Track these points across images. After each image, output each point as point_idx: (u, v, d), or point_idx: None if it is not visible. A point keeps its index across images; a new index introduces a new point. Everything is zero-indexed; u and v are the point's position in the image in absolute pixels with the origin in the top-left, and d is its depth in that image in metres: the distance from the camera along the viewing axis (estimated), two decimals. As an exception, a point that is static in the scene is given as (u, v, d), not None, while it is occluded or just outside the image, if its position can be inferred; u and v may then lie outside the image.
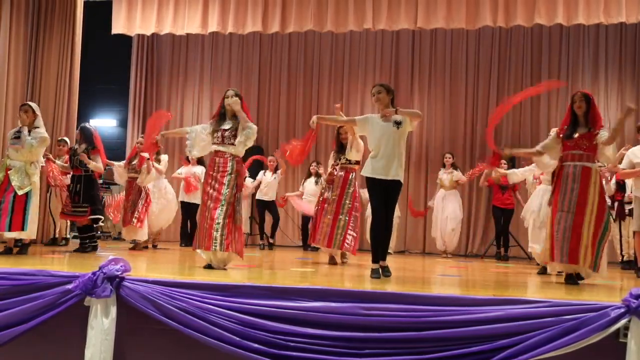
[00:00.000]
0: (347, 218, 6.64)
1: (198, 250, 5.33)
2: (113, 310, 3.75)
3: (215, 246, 5.13)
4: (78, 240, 7.48)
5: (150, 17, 9.29)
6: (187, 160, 9.60)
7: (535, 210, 6.49)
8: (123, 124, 12.16)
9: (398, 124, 5.11)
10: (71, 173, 7.43)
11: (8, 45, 8.14)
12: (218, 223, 5.15)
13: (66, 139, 8.41)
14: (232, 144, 5.34)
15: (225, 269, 5.21)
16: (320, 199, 6.96)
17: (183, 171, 9.53)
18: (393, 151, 5.09)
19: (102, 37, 10.14)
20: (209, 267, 5.25)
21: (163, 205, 8.45)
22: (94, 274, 3.76)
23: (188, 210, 9.52)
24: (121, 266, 3.85)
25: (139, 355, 3.84)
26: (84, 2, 9.33)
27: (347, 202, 6.68)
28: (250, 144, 5.37)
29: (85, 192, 7.14)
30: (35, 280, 3.92)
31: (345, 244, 6.61)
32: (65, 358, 3.90)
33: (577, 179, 4.97)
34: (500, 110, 6.07)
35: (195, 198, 9.54)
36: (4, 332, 3.81)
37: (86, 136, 7.30)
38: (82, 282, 3.74)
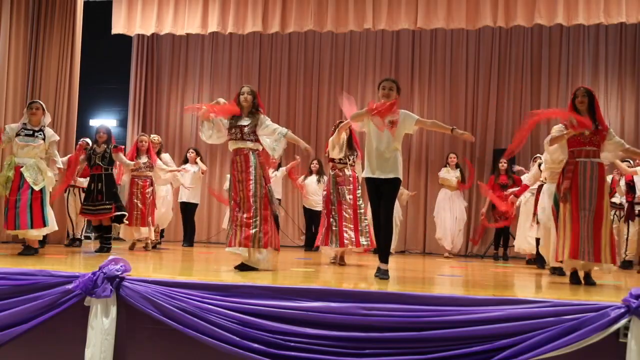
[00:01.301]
0: (366, 219, 6.69)
1: (229, 249, 5.22)
2: (113, 310, 3.75)
3: (254, 243, 5.13)
4: (89, 241, 7.47)
5: (150, 17, 9.29)
6: (184, 162, 9.57)
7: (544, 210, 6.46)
8: (123, 124, 12.16)
9: (392, 123, 5.06)
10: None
11: (8, 45, 8.14)
12: (255, 220, 5.15)
13: (88, 140, 8.42)
14: (252, 140, 5.34)
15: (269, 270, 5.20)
16: (334, 200, 6.71)
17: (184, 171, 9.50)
18: (385, 150, 5.02)
19: (102, 37, 10.15)
20: (242, 267, 5.17)
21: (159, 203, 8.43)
22: (94, 274, 3.77)
23: (187, 210, 9.50)
24: (121, 266, 3.85)
25: (139, 355, 3.84)
26: (84, 2, 9.33)
27: (362, 200, 6.68)
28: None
29: (108, 189, 7.10)
30: (35, 280, 3.93)
31: (374, 242, 6.60)
32: (65, 358, 3.90)
33: (595, 176, 5.00)
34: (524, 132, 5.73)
35: (195, 198, 9.53)
36: (4, 332, 3.82)
37: (110, 137, 7.32)
38: (82, 282, 3.75)
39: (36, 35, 8.69)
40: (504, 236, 9.58)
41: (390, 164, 5.03)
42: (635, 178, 7.57)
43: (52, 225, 6.35)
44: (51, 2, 8.79)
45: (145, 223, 7.76)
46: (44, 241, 7.24)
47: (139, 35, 10.63)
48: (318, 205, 9.43)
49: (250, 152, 5.32)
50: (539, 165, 7.34)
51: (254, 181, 5.23)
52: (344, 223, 6.62)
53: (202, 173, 9.54)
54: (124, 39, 10.27)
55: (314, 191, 9.68)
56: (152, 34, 9.79)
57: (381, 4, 8.74)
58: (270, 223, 5.26)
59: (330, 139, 6.75)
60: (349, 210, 6.63)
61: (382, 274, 5.02)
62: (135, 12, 9.33)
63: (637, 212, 7.70)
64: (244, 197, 5.20)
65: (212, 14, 9.16)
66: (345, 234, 6.60)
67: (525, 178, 7.73)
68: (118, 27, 9.41)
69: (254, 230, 5.13)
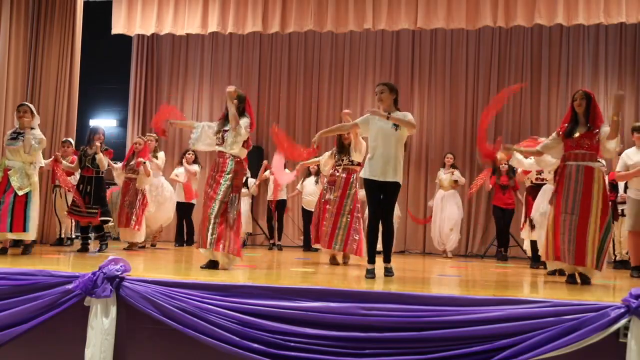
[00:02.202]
0: (348, 219, 6.60)
1: (200, 250, 5.32)
2: (113, 310, 3.75)
3: (210, 246, 5.15)
4: (80, 240, 7.50)
5: (150, 17, 9.29)
6: (181, 163, 9.56)
7: (544, 211, 6.45)
8: (123, 124, 12.16)
9: (397, 125, 5.08)
10: (77, 173, 7.42)
11: (8, 45, 8.13)
12: (209, 222, 5.17)
13: (71, 139, 8.40)
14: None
15: (227, 269, 5.22)
16: (322, 200, 6.88)
17: (180, 172, 9.49)
18: (389, 153, 5.06)
19: (102, 37, 10.14)
20: (207, 266, 5.24)
21: (160, 203, 8.42)
22: (94, 274, 3.77)
23: (183, 210, 9.48)
24: (121, 266, 3.86)
25: (139, 355, 3.84)
26: (84, 2, 9.33)
27: (349, 202, 6.66)
28: (240, 139, 5.32)
29: (96, 193, 7.17)
30: (35, 280, 3.93)
31: (348, 246, 6.57)
32: (65, 358, 3.90)
33: (580, 179, 4.95)
34: (485, 118, 5.89)
35: (191, 198, 9.51)
36: (4, 332, 3.82)
37: (104, 140, 7.40)
38: (82, 282, 3.75)
39: (36, 35, 8.69)
40: (505, 237, 9.58)
41: (393, 167, 5.08)
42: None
43: (32, 234, 6.27)
44: (51, 2, 8.79)
45: (121, 224, 7.70)
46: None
47: (139, 35, 10.62)
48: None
49: (229, 159, 5.33)
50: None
51: (222, 186, 5.25)
52: (324, 222, 6.70)
53: (193, 174, 9.48)
54: (124, 39, 10.26)
55: (312, 192, 9.68)
56: (152, 34, 9.79)
57: (381, 4, 8.74)
58: (225, 228, 5.21)
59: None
60: (331, 210, 6.66)
61: (388, 272, 5.14)
62: (135, 12, 9.33)
63: (620, 211, 7.67)
64: (210, 199, 5.24)
65: (212, 14, 9.16)
66: (324, 234, 6.68)
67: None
68: (118, 27, 9.40)
69: (207, 233, 5.17)
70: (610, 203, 5.11)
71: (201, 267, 5.26)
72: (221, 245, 5.15)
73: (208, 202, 5.25)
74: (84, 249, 7.18)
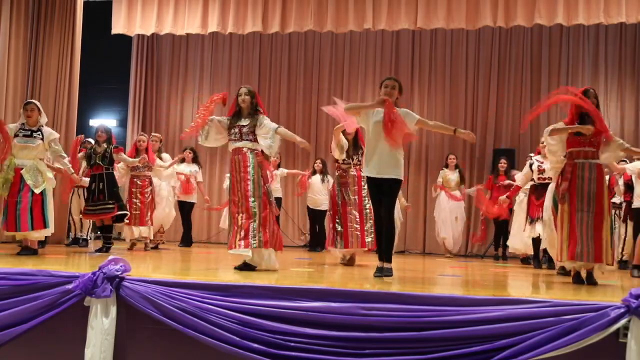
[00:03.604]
0: (371, 219, 6.60)
1: (232, 251, 5.18)
2: (113, 310, 3.75)
3: (254, 244, 5.07)
4: (99, 240, 7.47)
5: (150, 17, 9.30)
6: (182, 160, 9.55)
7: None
8: (123, 124, 12.17)
9: (392, 122, 5.03)
10: (81, 171, 7.43)
11: (8, 45, 8.14)
12: (254, 221, 5.11)
13: (90, 139, 8.42)
14: (250, 140, 5.30)
15: (273, 270, 5.17)
16: (339, 201, 6.70)
17: (179, 169, 9.47)
18: (385, 149, 4.98)
19: (102, 37, 10.14)
20: (242, 267, 5.14)
21: (156, 202, 8.39)
22: (94, 274, 3.76)
23: (183, 209, 9.46)
24: (121, 266, 3.85)
25: (139, 355, 3.84)
26: (84, 2, 9.34)
27: (367, 200, 6.62)
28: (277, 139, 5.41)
29: (109, 189, 7.14)
30: (35, 280, 3.92)
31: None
32: (65, 358, 3.90)
33: (593, 176, 5.00)
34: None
35: (191, 197, 9.48)
36: (4, 332, 3.81)
37: (110, 136, 7.36)
38: (82, 282, 3.74)
39: (36, 35, 8.69)
40: (504, 236, 9.58)
41: (391, 164, 5.00)
42: (634, 178, 7.56)
43: (52, 229, 6.34)
44: (51, 2, 8.80)
45: (144, 222, 7.75)
46: (44, 241, 7.24)
47: (139, 35, 10.62)
48: (322, 205, 9.44)
49: (249, 152, 5.28)
50: (530, 165, 7.38)
51: (252, 181, 5.20)
52: (349, 224, 6.60)
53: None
54: (124, 39, 10.27)
55: (318, 190, 9.65)
56: (152, 34, 9.80)
57: (381, 4, 8.74)
58: (270, 223, 5.23)
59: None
60: (354, 211, 6.61)
61: (387, 272, 5.01)
62: (135, 12, 9.33)
63: None
64: (243, 197, 5.19)
65: (212, 14, 9.16)
66: (350, 236, 6.59)
67: (518, 178, 7.74)
68: (118, 27, 9.41)
69: (253, 231, 5.10)
70: (625, 203, 5.16)
71: (235, 268, 5.16)
72: (269, 243, 5.16)
73: (244, 201, 5.15)
74: (104, 249, 7.11)
